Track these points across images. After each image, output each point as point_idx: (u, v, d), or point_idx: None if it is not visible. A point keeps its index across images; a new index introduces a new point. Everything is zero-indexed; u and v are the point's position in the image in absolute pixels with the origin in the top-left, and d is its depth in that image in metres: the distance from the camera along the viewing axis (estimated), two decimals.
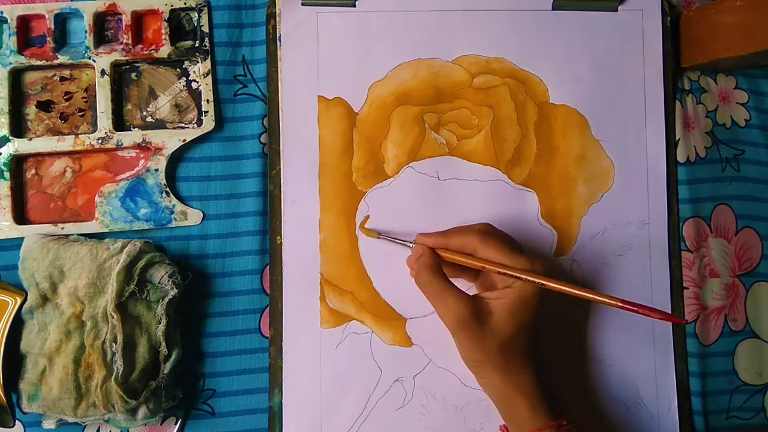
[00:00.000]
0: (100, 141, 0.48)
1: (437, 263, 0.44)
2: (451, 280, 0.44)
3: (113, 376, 0.43)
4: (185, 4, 0.49)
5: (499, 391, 0.43)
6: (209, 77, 0.49)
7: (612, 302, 0.41)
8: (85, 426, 0.46)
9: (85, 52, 0.48)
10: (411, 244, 0.46)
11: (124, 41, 0.48)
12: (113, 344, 0.43)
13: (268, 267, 0.49)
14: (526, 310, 0.42)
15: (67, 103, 0.49)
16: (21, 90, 0.48)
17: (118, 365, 0.43)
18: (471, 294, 0.43)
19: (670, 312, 0.40)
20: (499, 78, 0.50)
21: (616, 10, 0.51)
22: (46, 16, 0.48)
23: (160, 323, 0.44)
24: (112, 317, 0.43)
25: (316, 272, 0.49)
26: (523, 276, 0.41)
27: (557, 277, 0.42)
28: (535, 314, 0.42)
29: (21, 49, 0.48)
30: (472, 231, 0.44)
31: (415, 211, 0.49)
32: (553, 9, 0.51)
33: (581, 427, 0.42)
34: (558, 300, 0.43)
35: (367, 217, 0.49)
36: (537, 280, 0.41)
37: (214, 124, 0.49)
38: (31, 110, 0.48)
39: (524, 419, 0.41)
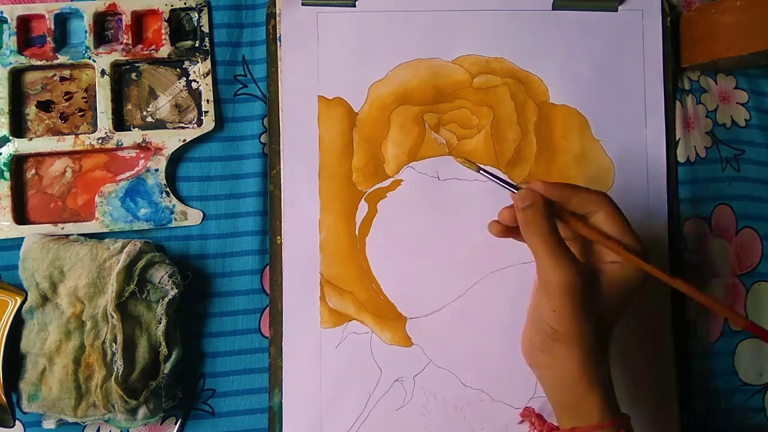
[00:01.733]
0: (100, 141, 0.48)
1: (553, 215, 0.39)
2: None
3: (113, 376, 0.43)
4: (185, 4, 0.49)
5: (574, 373, 0.38)
6: (209, 77, 0.49)
7: (734, 317, 0.38)
8: (85, 426, 0.46)
9: (85, 52, 0.48)
10: (515, 190, 0.40)
11: (124, 41, 0.48)
12: (113, 344, 0.43)
13: (268, 267, 0.49)
14: (633, 292, 0.39)
15: (67, 103, 0.49)
16: (21, 90, 0.48)
17: (118, 365, 0.43)
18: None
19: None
20: (499, 78, 0.50)
21: (616, 10, 0.51)
22: (46, 16, 0.48)
23: (160, 323, 0.44)
24: (112, 317, 0.43)
25: (316, 272, 0.49)
26: (631, 258, 0.38)
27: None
28: (635, 300, 0.39)
29: (21, 49, 0.48)
30: (599, 193, 0.39)
31: (415, 211, 0.49)
32: (553, 9, 0.51)
33: (630, 426, 0.40)
34: None
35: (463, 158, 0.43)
36: (646, 266, 0.38)
37: (214, 124, 0.49)
38: (31, 110, 0.48)
39: (593, 411, 0.38)
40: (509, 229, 0.41)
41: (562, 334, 0.38)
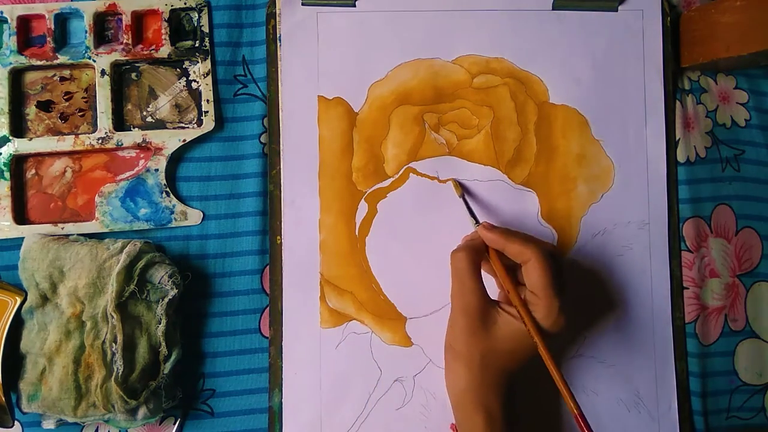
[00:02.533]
0: (100, 141, 0.48)
1: (479, 252, 0.44)
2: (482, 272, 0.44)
3: (113, 376, 0.43)
4: (185, 4, 0.49)
5: (460, 388, 0.43)
6: (209, 77, 0.49)
7: (572, 409, 0.39)
8: (84, 426, 0.46)
9: (85, 52, 0.48)
10: (475, 225, 0.46)
11: (124, 41, 0.48)
12: (113, 344, 0.43)
13: (268, 267, 0.49)
14: (527, 346, 0.42)
15: (67, 103, 0.49)
16: (21, 90, 0.48)
17: (118, 365, 0.43)
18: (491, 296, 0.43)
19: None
20: (499, 78, 0.50)
21: (616, 10, 0.51)
22: (46, 16, 0.48)
23: (160, 323, 0.44)
24: (112, 317, 0.43)
25: (316, 272, 0.49)
26: (530, 328, 0.41)
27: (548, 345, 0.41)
28: (531, 352, 0.42)
29: (21, 49, 0.48)
30: (535, 244, 0.42)
31: (415, 211, 0.49)
32: (553, 9, 0.51)
33: None
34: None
35: (453, 182, 0.49)
36: (538, 342, 0.40)
37: (214, 124, 0.49)
38: (31, 110, 0.48)
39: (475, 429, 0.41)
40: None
41: (454, 349, 0.44)
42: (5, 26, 0.48)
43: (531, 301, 0.42)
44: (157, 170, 0.48)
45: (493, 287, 0.47)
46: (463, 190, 0.49)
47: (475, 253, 0.44)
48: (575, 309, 0.50)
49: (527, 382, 0.45)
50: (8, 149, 0.47)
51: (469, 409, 0.42)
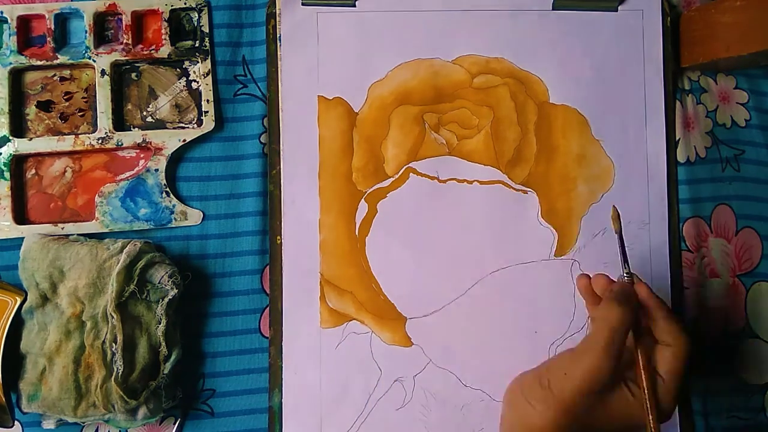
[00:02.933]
0: (100, 141, 0.48)
1: (631, 321, 0.40)
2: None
3: (113, 376, 0.43)
4: (185, 4, 0.49)
5: (535, 425, 0.40)
6: (209, 77, 0.49)
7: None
8: (84, 426, 0.46)
9: (85, 52, 0.48)
10: (626, 273, 0.42)
11: (125, 41, 0.48)
12: (113, 344, 0.43)
13: (268, 267, 0.49)
14: (622, 427, 0.40)
15: (67, 103, 0.49)
16: (21, 90, 0.48)
17: (118, 365, 0.43)
18: None
19: None
20: (499, 78, 0.50)
21: (616, 10, 0.51)
22: (46, 16, 0.48)
23: (160, 323, 0.44)
24: (112, 317, 0.43)
25: (316, 272, 0.49)
26: (650, 410, 0.39)
27: None
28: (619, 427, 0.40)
29: (21, 49, 0.48)
30: (680, 334, 0.40)
31: (415, 211, 0.49)
32: (553, 9, 0.51)
33: None
34: None
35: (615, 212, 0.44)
36: (649, 421, 0.39)
37: (214, 124, 0.49)
38: (31, 110, 0.48)
39: None
40: (591, 291, 0.44)
41: (551, 395, 0.40)
42: (5, 26, 0.48)
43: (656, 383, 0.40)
44: (157, 170, 0.48)
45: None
46: (620, 227, 0.44)
47: (631, 314, 0.40)
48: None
49: None
50: (8, 149, 0.47)
51: None
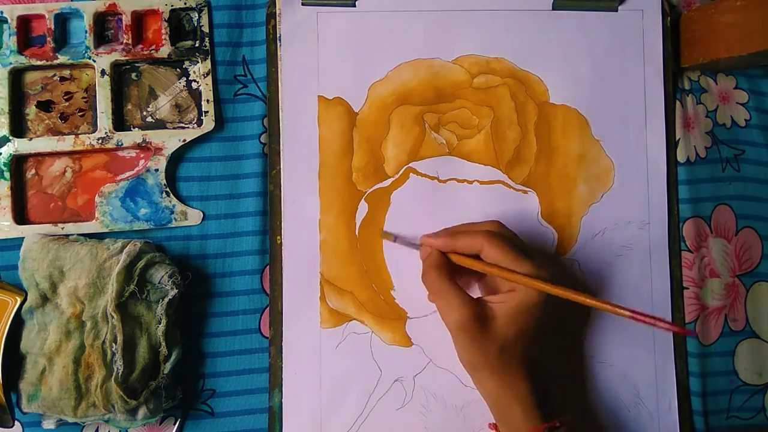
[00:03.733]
0: (100, 141, 0.48)
1: (443, 263, 0.44)
2: (456, 280, 0.44)
3: (113, 376, 0.43)
4: (185, 4, 0.49)
5: (494, 394, 0.43)
6: (209, 77, 0.49)
7: (620, 311, 0.40)
8: (84, 426, 0.46)
9: (85, 52, 0.48)
10: (416, 246, 0.46)
11: (125, 41, 0.48)
12: (113, 344, 0.43)
13: (268, 267, 0.49)
14: (529, 316, 0.42)
15: (67, 103, 0.49)
16: (21, 90, 0.48)
17: (118, 365, 0.43)
18: (475, 296, 0.43)
19: (678, 324, 0.40)
20: (499, 78, 0.50)
21: (616, 10, 0.51)
22: (47, 16, 0.48)
23: (160, 323, 0.44)
24: (112, 317, 0.43)
25: (316, 272, 0.49)
26: (527, 282, 0.41)
27: (563, 281, 0.41)
28: (537, 320, 0.42)
29: (21, 49, 0.48)
30: (480, 232, 0.43)
31: (415, 211, 0.49)
32: (553, 9, 0.51)
33: (574, 428, 0.42)
34: (559, 302, 0.43)
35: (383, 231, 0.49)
36: (541, 287, 0.41)
37: (214, 124, 0.49)
38: (31, 110, 0.48)
39: (518, 423, 0.42)
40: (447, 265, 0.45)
41: (470, 364, 0.43)
42: (5, 26, 0.48)
43: (509, 284, 0.42)
44: (157, 170, 0.48)
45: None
46: (394, 236, 0.48)
47: (439, 267, 0.44)
48: (575, 310, 0.50)
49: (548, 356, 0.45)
50: (8, 149, 0.47)
51: (503, 407, 0.42)
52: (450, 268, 0.44)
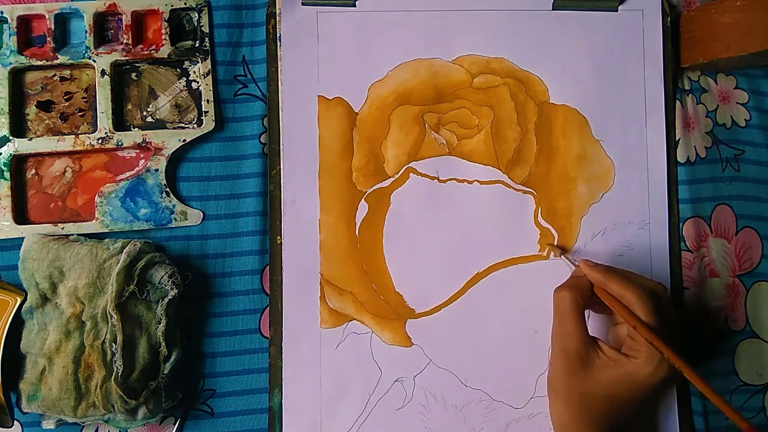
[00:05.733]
0: (100, 141, 0.48)
1: (584, 290, 0.44)
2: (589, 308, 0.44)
3: (113, 377, 0.43)
4: (185, 4, 0.49)
5: (562, 425, 0.43)
6: (209, 77, 0.49)
7: (738, 420, 0.39)
8: (84, 426, 0.46)
9: (86, 52, 0.48)
10: (575, 264, 0.46)
11: (125, 41, 0.48)
12: (113, 344, 0.43)
13: (268, 267, 0.49)
14: (631, 389, 0.41)
15: (67, 103, 0.49)
16: (21, 90, 0.48)
17: (118, 365, 0.43)
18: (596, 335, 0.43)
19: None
20: (499, 78, 0.50)
21: (616, 10, 0.51)
22: (47, 16, 0.48)
23: (160, 323, 0.44)
24: (112, 317, 0.43)
25: (316, 272, 0.49)
26: (659, 345, 0.39)
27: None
28: (635, 395, 0.41)
29: (21, 49, 0.48)
30: (636, 286, 0.42)
31: (415, 211, 0.49)
32: (553, 9, 0.51)
33: None
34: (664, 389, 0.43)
35: (552, 242, 0.50)
36: (665, 351, 0.39)
37: (214, 124, 0.49)
38: (31, 110, 0.48)
39: None
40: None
41: (554, 387, 0.44)
42: (5, 26, 0.48)
43: (631, 347, 0.41)
44: (157, 170, 0.48)
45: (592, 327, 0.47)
46: (561, 250, 0.49)
47: (579, 293, 0.43)
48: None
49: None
50: (8, 149, 0.47)
51: None
52: (586, 298, 0.44)
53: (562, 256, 0.48)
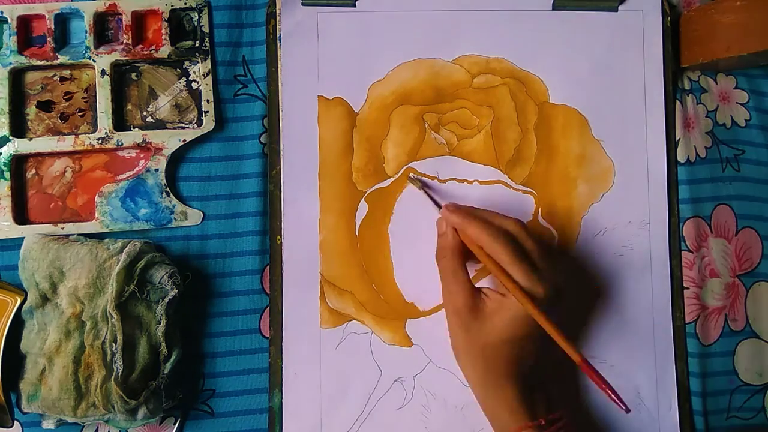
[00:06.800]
0: (100, 141, 0.48)
1: (456, 245, 0.44)
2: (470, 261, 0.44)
3: (113, 377, 0.43)
4: (185, 4, 0.49)
5: (478, 387, 0.43)
6: (209, 77, 0.49)
7: (589, 372, 0.39)
8: (84, 426, 0.46)
9: (86, 52, 0.48)
10: (439, 209, 0.46)
11: (125, 41, 0.48)
12: (113, 344, 0.43)
13: (268, 267, 0.49)
14: (521, 325, 0.41)
15: (67, 103, 0.49)
16: (21, 90, 0.48)
17: (118, 365, 0.43)
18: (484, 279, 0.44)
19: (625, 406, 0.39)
20: (499, 78, 0.50)
21: (616, 10, 0.51)
22: (47, 16, 0.48)
23: (160, 323, 0.44)
24: (112, 317, 0.43)
25: (316, 272, 0.49)
26: (514, 293, 0.40)
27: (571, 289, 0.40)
28: (528, 329, 0.41)
29: (21, 49, 0.48)
30: (491, 225, 0.42)
31: (415, 211, 0.49)
32: (553, 9, 0.51)
33: (568, 424, 0.42)
34: (562, 303, 0.42)
35: (413, 171, 0.49)
36: (527, 307, 0.40)
37: (214, 124, 0.49)
38: (31, 110, 0.48)
39: (503, 420, 0.42)
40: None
41: (456, 350, 0.44)
42: (5, 26, 0.48)
43: (503, 284, 0.42)
44: (157, 170, 0.48)
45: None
46: (421, 183, 0.49)
47: (448, 252, 0.44)
48: (575, 311, 0.50)
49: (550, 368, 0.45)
50: (8, 149, 0.47)
51: (493, 403, 0.43)
52: (463, 250, 0.44)
53: (422, 190, 0.48)
